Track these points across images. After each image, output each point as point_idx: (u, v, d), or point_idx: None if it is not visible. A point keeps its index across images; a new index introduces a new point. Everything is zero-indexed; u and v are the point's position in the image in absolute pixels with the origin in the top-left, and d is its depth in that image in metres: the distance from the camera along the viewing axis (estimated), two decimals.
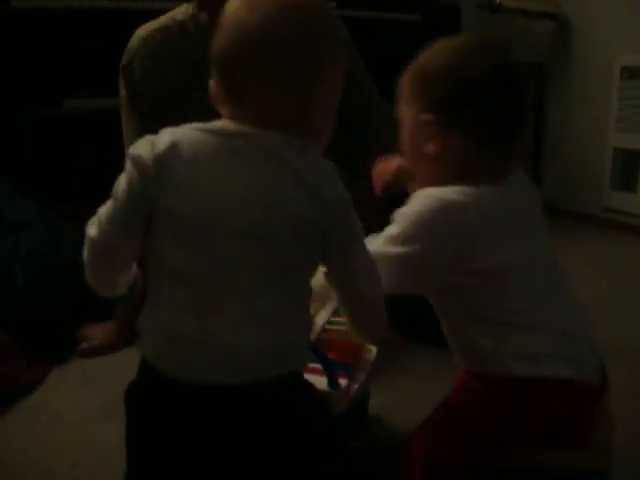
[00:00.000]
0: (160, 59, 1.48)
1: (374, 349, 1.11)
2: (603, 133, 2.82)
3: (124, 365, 0.94)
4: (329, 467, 0.80)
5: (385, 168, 1.09)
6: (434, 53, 0.92)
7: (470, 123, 0.88)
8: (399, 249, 0.87)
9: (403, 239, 0.87)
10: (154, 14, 1.55)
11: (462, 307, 0.91)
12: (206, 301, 0.74)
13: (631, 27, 2.67)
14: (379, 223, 0.91)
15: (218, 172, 0.74)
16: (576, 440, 0.87)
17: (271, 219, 0.74)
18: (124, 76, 1.52)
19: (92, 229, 0.77)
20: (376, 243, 0.87)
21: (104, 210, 0.77)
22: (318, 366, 0.92)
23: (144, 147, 0.75)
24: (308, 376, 0.82)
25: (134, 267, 0.85)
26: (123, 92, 1.54)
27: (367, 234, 0.85)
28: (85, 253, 0.79)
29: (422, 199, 0.88)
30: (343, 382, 0.96)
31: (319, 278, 0.84)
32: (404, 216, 0.88)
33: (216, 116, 0.79)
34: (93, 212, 0.78)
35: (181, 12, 1.51)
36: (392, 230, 0.89)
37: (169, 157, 0.74)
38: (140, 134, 0.78)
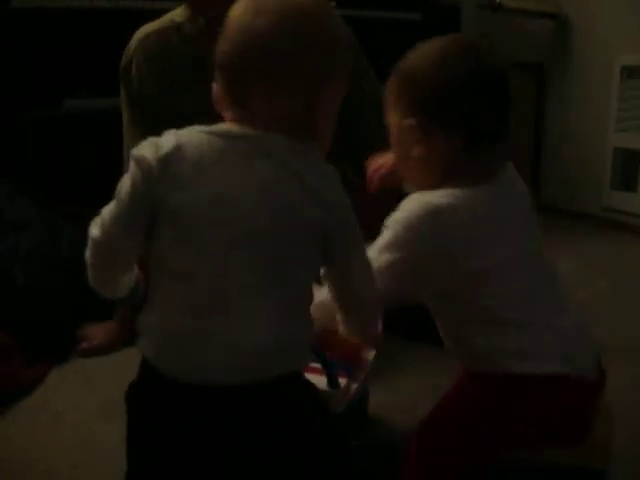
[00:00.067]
0: (158, 61, 1.49)
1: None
2: (603, 133, 2.82)
3: (124, 365, 0.94)
4: (329, 467, 0.80)
5: (379, 165, 1.10)
6: (415, 57, 0.93)
7: (450, 126, 0.89)
8: (393, 256, 0.88)
9: (395, 246, 0.88)
10: (154, 14, 1.55)
11: (456, 308, 0.92)
12: (206, 301, 0.74)
13: (631, 27, 2.67)
14: (376, 220, 0.91)
15: (222, 173, 0.75)
16: (574, 436, 0.88)
17: (273, 220, 0.75)
18: (123, 78, 1.53)
19: (95, 230, 0.77)
20: (370, 254, 0.88)
21: (107, 211, 0.77)
22: (318, 366, 0.93)
23: (148, 148, 0.75)
24: (308, 375, 0.82)
25: (136, 269, 0.86)
26: (123, 94, 1.55)
27: (366, 235, 0.86)
28: (88, 254, 0.79)
29: (411, 204, 0.89)
30: (342, 381, 0.96)
31: (320, 295, 0.85)
32: (394, 223, 0.89)
33: (214, 118, 0.80)
34: (93, 212, 0.78)
35: (179, 14, 1.51)
36: (383, 239, 0.90)
37: (174, 158, 0.74)
38: (139, 136, 0.79)
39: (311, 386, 0.83)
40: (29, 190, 1.89)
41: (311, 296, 0.81)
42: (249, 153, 0.75)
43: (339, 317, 0.89)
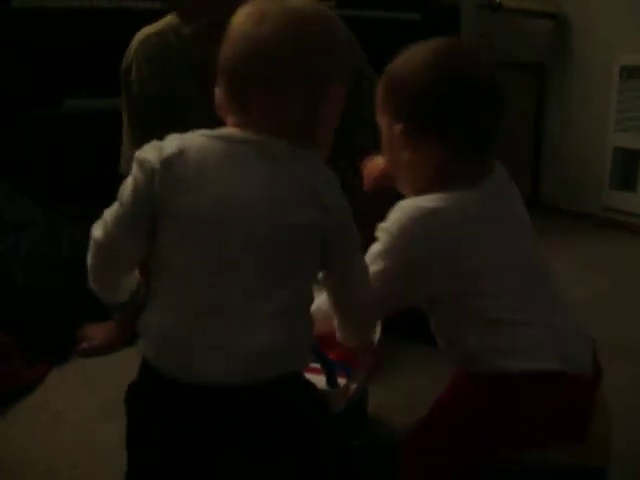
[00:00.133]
0: (157, 63, 1.49)
1: None
2: (603, 133, 2.82)
3: (124, 365, 0.94)
4: (329, 467, 0.80)
5: (374, 166, 1.10)
6: (401, 62, 0.93)
7: (437, 132, 0.89)
8: (387, 262, 0.88)
9: (389, 252, 0.89)
10: (154, 14, 1.55)
11: (448, 308, 0.92)
12: (207, 302, 0.74)
13: (631, 27, 2.67)
14: (375, 220, 0.92)
15: (225, 177, 0.75)
16: (573, 433, 0.88)
17: (274, 223, 0.75)
18: (124, 80, 1.53)
19: (98, 231, 0.78)
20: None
21: (110, 213, 0.78)
22: (318, 365, 0.93)
23: (151, 151, 0.76)
24: (307, 375, 0.83)
25: (136, 273, 0.86)
26: (124, 96, 1.55)
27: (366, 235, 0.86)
28: (89, 255, 0.80)
29: (401, 210, 0.89)
30: (342, 381, 0.96)
31: (318, 301, 0.85)
32: (386, 229, 0.89)
33: (213, 120, 0.80)
34: (93, 212, 0.79)
35: (175, 18, 1.51)
36: (376, 246, 0.90)
37: (177, 161, 0.75)
38: (139, 137, 0.79)
39: (311, 386, 0.83)
40: (29, 190, 1.89)
41: (311, 297, 0.81)
42: (251, 157, 0.76)
43: (336, 323, 0.90)
